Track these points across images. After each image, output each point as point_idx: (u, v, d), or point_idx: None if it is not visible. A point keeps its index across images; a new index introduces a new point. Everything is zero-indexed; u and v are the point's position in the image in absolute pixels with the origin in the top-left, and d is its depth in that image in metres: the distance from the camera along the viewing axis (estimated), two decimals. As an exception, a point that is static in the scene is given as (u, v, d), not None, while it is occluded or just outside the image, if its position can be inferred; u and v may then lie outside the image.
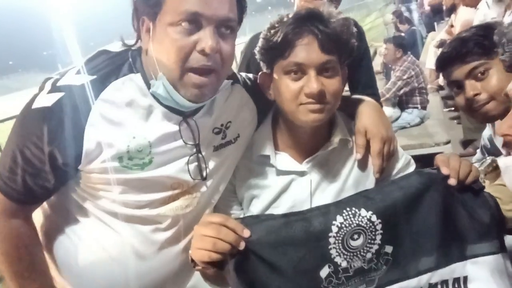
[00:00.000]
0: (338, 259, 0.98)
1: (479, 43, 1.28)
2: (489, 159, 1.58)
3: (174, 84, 0.96)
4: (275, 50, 1.06)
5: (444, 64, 1.35)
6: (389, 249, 1.01)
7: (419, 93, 4.18)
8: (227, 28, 0.97)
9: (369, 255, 1.00)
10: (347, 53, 1.09)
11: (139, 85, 1.00)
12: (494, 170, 1.50)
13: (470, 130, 3.94)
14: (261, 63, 1.14)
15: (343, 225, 0.97)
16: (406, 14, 8.75)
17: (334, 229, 0.96)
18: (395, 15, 8.17)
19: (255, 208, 1.18)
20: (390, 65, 4.62)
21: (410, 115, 4.13)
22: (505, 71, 1.27)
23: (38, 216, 1.11)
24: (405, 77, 4.13)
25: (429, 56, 5.77)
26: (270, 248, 0.95)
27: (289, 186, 1.17)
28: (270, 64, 1.10)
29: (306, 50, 1.03)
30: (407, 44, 4.64)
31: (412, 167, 1.24)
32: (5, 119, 6.39)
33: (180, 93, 0.96)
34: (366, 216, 0.97)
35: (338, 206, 0.99)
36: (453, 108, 5.03)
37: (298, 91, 1.05)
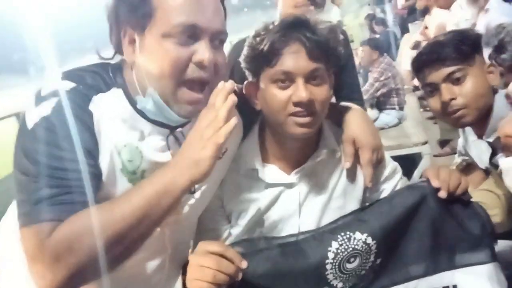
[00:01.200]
0: (334, 282, 0.99)
1: (458, 47, 1.30)
2: (460, 159, 1.60)
3: (166, 99, 0.92)
4: (262, 58, 1.04)
5: (421, 66, 1.36)
6: (379, 261, 1.02)
7: (396, 94, 4.23)
8: (219, 40, 0.95)
9: (363, 272, 1.01)
10: (335, 60, 1.08)
11: (122, 102, 0.95)
12: (465, 170, 1.52)
13: (447, 130, 4.02)
14: (246, 72, 1.11)
15: (339, 251, 0.96)
16: (380, 15, 8.88)
17: (331, 255, 0.96)
18: (368, 19, 8.27)
19: (244, 221, 1.15)
20: (366, 67, 4.66)
21: (388, 116, 4.17)
22: (480, 77, 1.30)
23: None
24: (382, 78, 4.17)
25: (404, 58, 5.86)
26: (267, 277, 0.94)
27: (278, 199, 1.16)
28: (256, 72, 1.08)
29: (294, 58, 1.02)
30: (382, 46, 4.70)
31: (398, 174, 1.24)
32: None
33: (172, 109, 0.93)
34: (361, 239, 0.97)
35: (333, 231, 0.99)
36: (428, 109, 5.12)
37: (286, 100, 1.03)
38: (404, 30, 8.21)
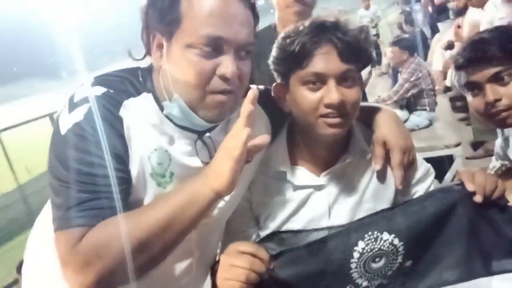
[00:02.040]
0: (359, 280, 0.98)
1: (504, 46, 1.24)
2: (498, 164, 1.54)
3: (192, 105, 0.93)
4: (292, 60, 1.03)
5: (464, 64, 1.30)
6: (409, 263, 1.00)
7: (427, 95, 4.13)
8: (246, 51, 0.94)
9: (389, 273, 1.00)
10: (365, 61, 1.07)
11: (152, 106, 0.96)
12: (505, 174, 1.46)
13: (480, 131, 3.90)
14: (275, 74, 1.11)
15: (364, 251, 0.95)
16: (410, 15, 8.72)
17: (356, 255, 0.95)
18: (403, 15, 8.11)
19: (273, 224, 1.15)
20: (397, 68, 4.57)
21: (419, 118, 4.08)
22: None
23: None
24: (412, 79, 4.08)
25: (436, 58, 5.74)
26: (292, 276, 0.95)
27: (307, 201, 1.14)
28: (286, 74, 1.07)
29: (325, 60, 1.00)
30: (412, 46, 4.60)
31: (431, 176, 1.21)
32: (13, 126, 6.44)
33: (198, 114, 0.93)
34: (388, 239, 0.96)
35: (360, 229, 0.97)
36: (459, 109, 4.99)
37: (317, 102, 1.02)
38: (434, 29, 8.06)
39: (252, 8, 0.96)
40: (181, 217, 0.85)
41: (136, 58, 1.00)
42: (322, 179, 1.14)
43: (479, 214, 0.99)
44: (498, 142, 1.56)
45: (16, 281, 4.16)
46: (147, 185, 0.95)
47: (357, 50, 1.02)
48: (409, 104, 4.20)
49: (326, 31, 1.01)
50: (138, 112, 0.93)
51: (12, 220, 6.86)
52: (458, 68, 1.33)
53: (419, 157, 1.20)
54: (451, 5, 5.79)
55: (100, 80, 0.95)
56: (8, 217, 7.04)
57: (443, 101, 4.74)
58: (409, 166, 1.12)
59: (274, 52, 1.08)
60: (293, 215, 1.14)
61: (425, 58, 5.93)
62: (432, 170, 1.22)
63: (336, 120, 1.02)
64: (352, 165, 1.14)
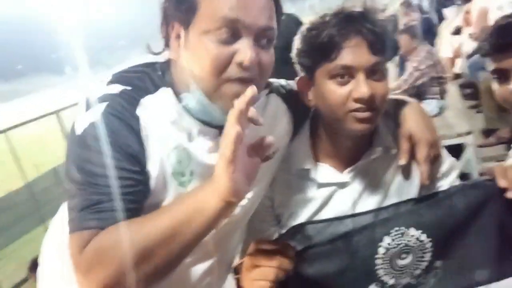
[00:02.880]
0: (385, 278, 0.95)
1: None
2: None
3: (209, 95, 0.88)
4: (319, 52, 0.99)
5: (493, 50, 1.25)
6: (439, 263, 0.97)
7: (438, 83, 4.07)
8: (266, 39, 0.89)
9: (417, 272, 0.96)
10: (392, 52, 1.01)
11: (171, 101, 0.93)
12: None
13: (492, 119, 3.84)
14: (299, 67, 1.07)
15: (390, 246, 0.93)
16: (416, 1, 8.59)
17: (381, 250, 0.93)
18: (404, 6, 8.01)
19: (295, 222, 1.10)
20: (404, 56, 4.49)
21: (429, 106, 4.01)
22: None
23: None
24: (422, 67, 4.02)
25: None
26: (317, 272, 0.93)
27: (331, 198, 1.11)
28: (311, 68, 1.03)
29: (355, 52, 0.96)
30: (422, 33, 4.52)
31: (456, 170, 1.17)
32: (20, 124, 6.45)
33: (216, 105, 0.89)
34: (415, 235, 0.93)
35: (385, 224, 0.94)
36: (469, 96, 4.92)
37: (346, 96, 0.98)
38: (440, 16, 7.94)
39: None
40: (186, 227, 0.79)
41: (154, 52, 0.96)
42: (346, 176, 1.10)
43: (511, 211, 0.94)
44: None
45: (26, 280, 4.16)
46: (167, 186, 0.92)
47: (386, 41, 0.98)
48: (419, 92, 4.12)
49: (354, 22, 0.97)
50: (156, 110, 0.90)
51: (20, 218, 6.89)
52: (484, 55, 1.28)
53: (444, 150, 1.16)
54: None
55: (117, 77, 0.93)
56: (16, 215, 7.07)
57: (452, 89, 4.68)
58: (434, 161, 1.08)
59: (298, 44, 1.04)
60: (316, 214, 1.11)
61: (433, 45, 5.85)
62: (457, 164, 1.19)
63: (366, 114, 0.98)
64: (376, 161, 1.11)
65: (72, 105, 6.72)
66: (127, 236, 0.79)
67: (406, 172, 1.12)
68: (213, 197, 0.77)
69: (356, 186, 1.11)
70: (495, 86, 1.29)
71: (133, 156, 0.86)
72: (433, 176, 1.11)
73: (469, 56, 4.35)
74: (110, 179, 0.84)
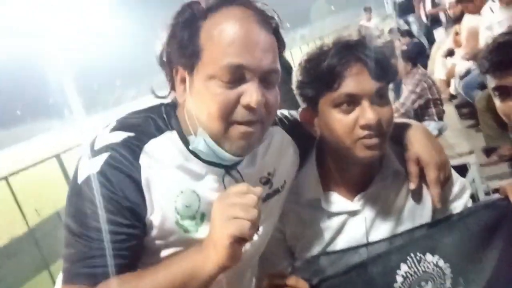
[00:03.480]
0: None
1: None
2: None
3: (217, 138, 0.88)
4: (321, 83, 1.00)
5: (493, 68, 1.26)
6: None
7: (434, 104, 4.09)
8: (272, 79, 0.89)
9: None
10: (392, 76, 1.04)
11: (177, 144, 0.93)
12: None
13: (491, 137, 3.83)
14: (301, 99, 1.07)
15: (408, 274, 0.91)
16: (405, 27, 8.77)
17: (399, 279, 0.91)
18: (391, 33, 8.17)
19: (309, 254, 1.10)
20: (400, 80, 4.54)
21: (428, 128, 4.01)
22: None
23: None
24: (417, 90, 4.05)
25: (437, 66, 5.72)
26: None
27: (343, 227, 1.10)
28: (314, 98, 1.03)
29: (357, 80, 0.97)
30: (414, 57, 4.58)
31: (468, 191, 1.16)
32: (21, 169, 6.44)
33: (224, 147, 0.89)
34: (432, 261, 0.92)
35: (401, 251, 0.93)
36: (466, 115, 4.94)
37: (352, 124, 0.98)
38: (430, 39, 8.08)
39: (275, 32, 0.92)
40: None
41: (159, 96, 0.97)
42: (356, 204, 1.09)
43: None
44: None
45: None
46: (170, 233, 0.91)
47: (386, 66, 0.99)
48: (417, 115, 4.15)
49: (354, 50, 0.98)
50: (160, 156, 0.90)
51: (23, 264, 6.77)
52: (485, 72, 1.29)
53: (454, 172, 1.15)
54: (447, 12, 5.80)
55: (121, 123, 0.93)
56: (19, 262, 6.96)
57: (449, 109, 4.69)
58: (445, 182, 1.07)
59: (298, 76, 1.05)
60: (330, 244, 1.09)
61: (425, 68, 5.92)
62: (468, 185, 1.18)
63: (374, 141, 0.98)
64: (386, 186, 1.10)
65: (73, 148, 6.75)
66: None
67: (417, 196, 1.11)
68: (210, 263, 0.80)
69: (368, 213, 1.09)
70: (497, 103, 1.30)
71: (129, 210, 0.86)
72: (445, 198, 1.10)
73: (463, 76, 4.41)
74: (104, 233, 0.84)
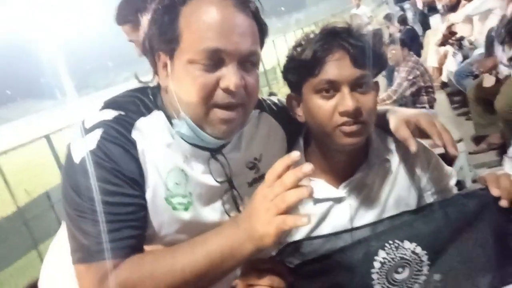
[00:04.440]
0: None
1: None
2: None
3: (199, 122, 0.89)
4: (304, 68, 1.00)
5: (509, 38, 1.26)
6: (437, 277, 0.95)
7: (426, 92, 4.11)
8: (250, 63, 0.90)
9: (416, 286, 0.95)
10: (381, 66, 1.02)
11: (165, 123, 0.94)
12: None
13: (481, 125, 3.88)
14: (288, 84, 1.08)
15: (386, 260, 0.91)
16: (400, 13, 8.73)
17: (377, 265, 0.91)
18: (387, 19, 8.14)
19: (293, 239, 1.07)
20: (394, 67, 4.54)
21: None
22: None
23: None
24: (410, 77, 4.06)
25: (430, 54, 5.73)
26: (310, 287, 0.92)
27: (328, 214, 1.10)
28: (298, 84, 1.04)
29: (338, 66, 0.97)
30: (409, 44, 4.57)
31: (454, 180, 1.17)
32: (10, 149, 6.39)
33: (206, 131, 0.90)
34: (409, 248, 0.91)
35: (380, 238, 0.93)
36: (458, 103, 4.97)
37: (332, 110, 0.98)
38: (425, 26, 8.08)
39: (255, 16, 0.92)
40: (218, 267, 0.81)
41: (142, 81, 0.98)
42: (341, 191, 1.09)
43: (506, 218, 0.94)
44: None
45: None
46: (161, 210, 0.92)
47: (371, 55, 0.98)
48: (408, 102, 4.16)
49: (337, 37, 0.98)
50: (150, 133, 0.91)
51: (12, 244, 6.77)
52: (502, 42, 1.29)
53: (441, 160, 1.16)
54: (442, 1, 5.78)
55: (109, 103, 0.93)
56: (9, 241, 6.95)
57: (441, 98, 4.72)
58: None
59: (285, 62, 1.06)
60: (314, 229, 1.09)
61: (419, 55, 5.93)
62: (454, 173, 1.19)
63: (353, 128, 0.98)
64: (372, 174, 1.10)
65: (63, 129, 6.70)
66: (157, 270, 0.81)
67: (403, 184, 1.11)
68: (250, 244, 0.78)
69: (353, 201, 1.09)
70: None
71: (134, 181, 0.87)
72: (434, 182, 1.12)
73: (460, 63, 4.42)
74: (116, 206, 0.84)
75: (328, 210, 1.10)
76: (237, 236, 0.80)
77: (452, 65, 4.73)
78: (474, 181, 3.13)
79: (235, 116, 0.89)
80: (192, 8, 0.87)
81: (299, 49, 1.01)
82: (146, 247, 0.93)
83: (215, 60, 0.85)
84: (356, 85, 0.98)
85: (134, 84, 1.01)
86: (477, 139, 4.01)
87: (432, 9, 8.07)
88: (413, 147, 0.99)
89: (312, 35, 1.01)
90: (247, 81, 0.89)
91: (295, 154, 0.76)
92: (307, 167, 0.74)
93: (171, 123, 0.94)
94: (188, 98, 0.87)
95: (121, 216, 0.84)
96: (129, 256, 0.84)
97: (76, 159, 0.86)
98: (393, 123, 1.06)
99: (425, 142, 1.13)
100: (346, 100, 0.96)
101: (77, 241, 0.85)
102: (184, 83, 0.87)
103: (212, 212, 0.98)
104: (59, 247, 1.05)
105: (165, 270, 0.81)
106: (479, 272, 0.96)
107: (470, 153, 3.81)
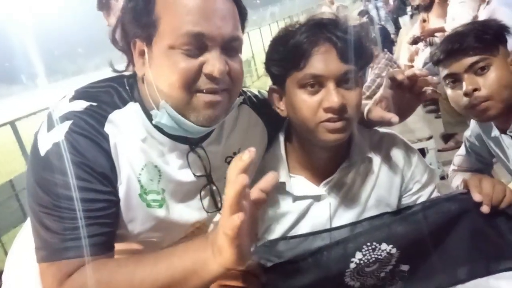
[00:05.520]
0: (351, 282, 0.95)
1: (480, 37, 1.24)
2: None
3: (181, 109, 0.85)
4: (288, 61, 0.96)
5: (441, 56, 1.30)
6: (405, 267, 0.97)
7: (398, 89, 4.16)
8: (233, 48, 0.87)
9: (383, 274, 0.97)
10: (365, 61, 1.01)
11: (141, 117, 0.89)
12: None
13: (451, 124, 3.97)
14: (270, 76, 1.04)
15: (361, 261, 0.91)
16: (373, 11, 8.83)
17: (352, 265, 0.91)
18: (361, 15, 8.20)
19: (272, 236, 1.09)
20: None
21: (391, 112, 4.09)
22: (504, 68, 1.23)
23: None
24: (383, 74, 4.11)
25: (403, 52, 5.81)
26: (285, 286, 0.92)
27: (307, 212, 1.09)
28: (281, 77, 1.00)
29: (324, 60, 0.94)
30: (382, 42, 4.63)
31: (435, 180, 1.18)
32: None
33: (190, 119, 0.85)
34: (386, 249, 0.92)
35: (358, 241, 0.92)
36: (427, 101, 5.08)
37: (316, 106, 0.95)
38: (397, 24, 8.20)
39: (236, 0, 0.88)
40: (182, 284, 0.74)
41: (117, 70, 0.93)
42: (322, 189, 1.08)
43: (485, 223, 0.95)
44: (474, 132, 1.56)
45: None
46: (133, 206, 0.88)
47: (357, 49, 0.96)
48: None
49: (324, 29, 0.95)
50: (125, 126, 0.86)
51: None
52: (436, 62, 1.33)
53: (424, 160, 1.17)
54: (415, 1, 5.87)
55: (81, 93, 0.87)
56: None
57: (412, 95, 4.78)
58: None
59: (268, 53, 1.02)
60: (292, 228, 1.08)
61: (391, 53, 6.01)
62: (436, 173, 1.19)
63: (337, 125, 0.96)
64: (353, 173, 1.09)
65: (29, 115, 6.47)
66: (117, 279, 0.76)
67: (385, 184, 1.11)
68: (214, 262, 0.71)
69: (333, 199, 1.08)
70: (448, 92, 1.34)
71: (104, 176, 0.82)
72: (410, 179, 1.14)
73: (425, 63, 4.50)
74: (83, 202, 0.79)
75: (307, 208, 1.08)
76: (202, 253, 0.73)
77: (421, 62, 4.81)
78: (442, 177, 3.21)
79: (220, 99, 0.85)
80: None
81: (283, 40, 0.98)
82: (121, 245, 0.90)
83: (197, 45, 0.81)
84: (342, 81, 0.95)
85: (105, 72, 0.95)
86: (446, 137, 4.11)
87: (401, 8, 8.22)
88: (394, 118, 1.02)
89: (297, 26, 0.98)
90: (231, 66, 0.85)
91: (246, 156, 0.65)
92: (246, 154, 0.65)
93: (148, 116, 0.89)
94: (169, 85, 0.83)
95: (87, 212, 0.80)
96: (96, 254, 0.80)
97: (42, 151, 0.81)
98: (366, 109, 1.08)
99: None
100: (331, 96, 0.93)
101: (41, 237, 0.81)
102: (164, 70, 0.82)
103: (188, 209, 0.95)
104: (26, 239, 1.00)
105: (124, 279, 0.76)
106: (448, 268, 0.98)
107: (439, 150, 3.90)
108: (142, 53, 0.86)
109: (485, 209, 0.91)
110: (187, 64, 0.81)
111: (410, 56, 5.34)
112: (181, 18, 0.81)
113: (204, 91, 0.84)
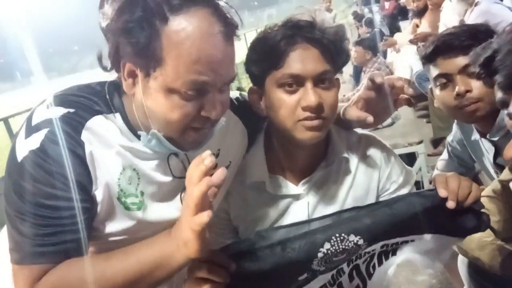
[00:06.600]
0: (317, 268, 0.97)
1: (475, 36, 1.24)
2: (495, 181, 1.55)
3: (171, 138, 0.88)
4: (266, 61, 0.99)
5: (434, 54, 1.30)
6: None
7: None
8: (228, 87, 0.90)
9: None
10: (342, 62, 1.04)
11: (120, 126, 0.90)
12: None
13: (440, 128, 4.00)
14: (249, 77, 1.06)
15: (329, 251, 0.93)
16: (369, 15, 8.87)
17: (320, 255, 0.93)
18: (356, 19, 8.24)
19: (252, 235, 1.08)
20: (359, 67, 4.63)
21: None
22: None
23: None
24: (375, 78, 4.13)
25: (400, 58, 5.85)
26: (252, 272, 0.93)
27: (286, 210, 1.11)
28: (260, 77, 1.03)
29: (302, 60, 0.97)
30: (375, 46, 4.67)
31: (413, 180, 1.20)
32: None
33: (176, 145, 0.89)
34: (353, 240, 0.93)
35: (327, 232, 0.94)
36: (419, 107, 5.11)
37: (294, 105, 0.98)
38: (395, 29, 8.24)
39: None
40: (149, 277, 0.82)
41: (106, 69, 0.90)
42: (300, 188, 1.10)
43: (450, 217, 0.97)
44: (455, 137, 1.58)
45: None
46: (114, 209, 0.90)
47: (335, 50, 0.99)
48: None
49: (302, 30, 0.98)
50: (103, 133, 0.87)
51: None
52: (426, 60, 1.33)
53: (401, 161, 1.19)
54: (411, 6, 5.90)
55: (60, 99, 0.87)
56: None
57: (404, 100, 4.81)
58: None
59: (248, 54, 1.04)
60: (272, 226, 1.10)
61: (385, 57, 6.06)
62: (414, 173, 1.22)
63: (314, 123, 0.98)
64: (331, 172, 1.12)
65: (22, 112, 6.45)
66: (88, 276, 0.79)
67: (362, 183, 1.13)
68: (179, 254, 0.79)
69: (312, 198, 1.11)
70: (436, 92, 1.34)
71: (78, 184, 0.83)
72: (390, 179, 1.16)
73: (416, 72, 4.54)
74: (55, 210, 0.81)
75: (287, 207, 1.11)
76: (168, 246, 0.80)
77: (415, 66, 4.84)
78: (431, 181, 3.25)
79: (208, 131, 0.90)
80: (177, 32, 0.79)
81: (262, 41, 1.00)
82: (99, 247, 0.92)
83: (198, 90, 0.82)
84: (319, 81, 0.98)
85: (100, 71, 0.95)
86: (436, 142, 4.15)
87: (403, 12, 8.23)
88: (369, 118, 1.05)
89: (276, 28, 1.00)
90: (223, 102, 0.88)
91: (208, 161, 0.73)
92: (208, 159, 0.73)
93: (128, 125, 0.90)
94: (166, 121, 0.84)
95: (58, 220, 0.81)
96: (66, 259, 0.82)
97: (19, 157, 0.81)
98: (341, 111, 1.10)
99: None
100: (309, 95, 0.96)
101: (14, 240, 0.83)
102: (162, 107, 0.83)
103: (168, 209, 0.96)
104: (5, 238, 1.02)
105: (96, 275, 0.80)
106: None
107: (428, 155, 3.94)
108: (132, 75, 0.85)
109: (450, 204, 0.93)
110: (186, 108, 0.83)
111: (412, 29, 5.32)
112: (188, 66, 0.80)
113: (198, 129, 0.87)
